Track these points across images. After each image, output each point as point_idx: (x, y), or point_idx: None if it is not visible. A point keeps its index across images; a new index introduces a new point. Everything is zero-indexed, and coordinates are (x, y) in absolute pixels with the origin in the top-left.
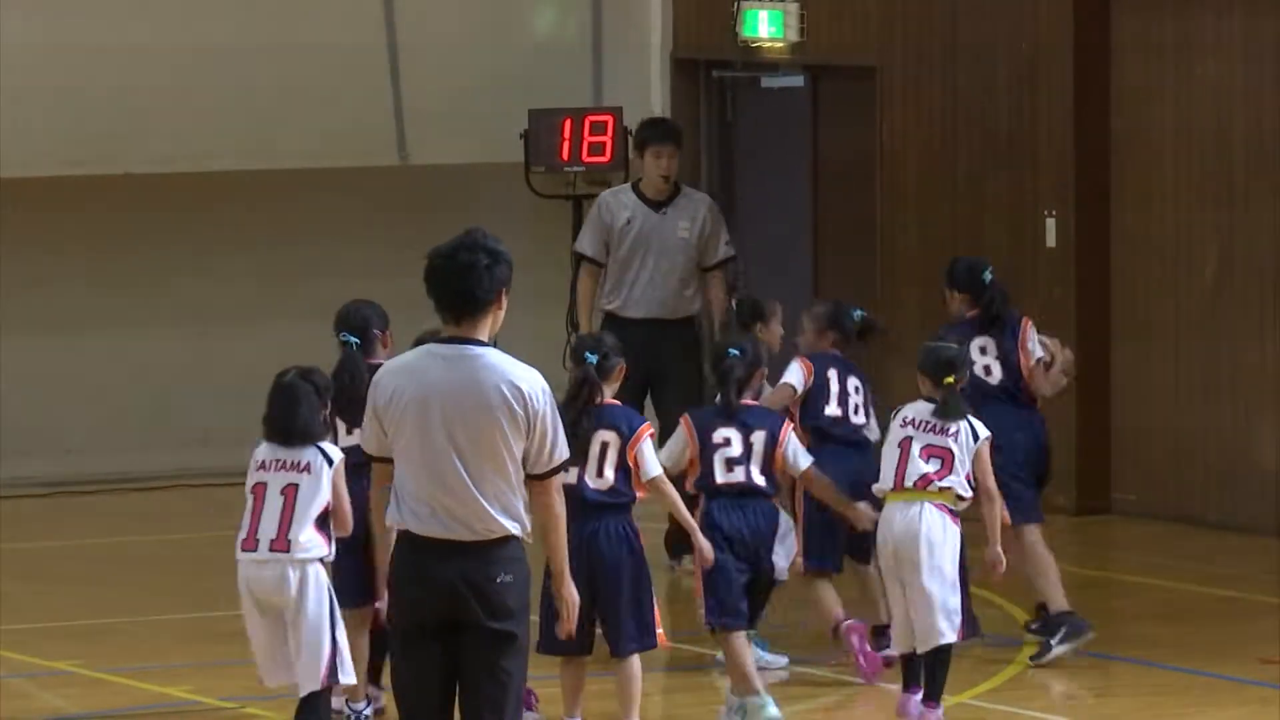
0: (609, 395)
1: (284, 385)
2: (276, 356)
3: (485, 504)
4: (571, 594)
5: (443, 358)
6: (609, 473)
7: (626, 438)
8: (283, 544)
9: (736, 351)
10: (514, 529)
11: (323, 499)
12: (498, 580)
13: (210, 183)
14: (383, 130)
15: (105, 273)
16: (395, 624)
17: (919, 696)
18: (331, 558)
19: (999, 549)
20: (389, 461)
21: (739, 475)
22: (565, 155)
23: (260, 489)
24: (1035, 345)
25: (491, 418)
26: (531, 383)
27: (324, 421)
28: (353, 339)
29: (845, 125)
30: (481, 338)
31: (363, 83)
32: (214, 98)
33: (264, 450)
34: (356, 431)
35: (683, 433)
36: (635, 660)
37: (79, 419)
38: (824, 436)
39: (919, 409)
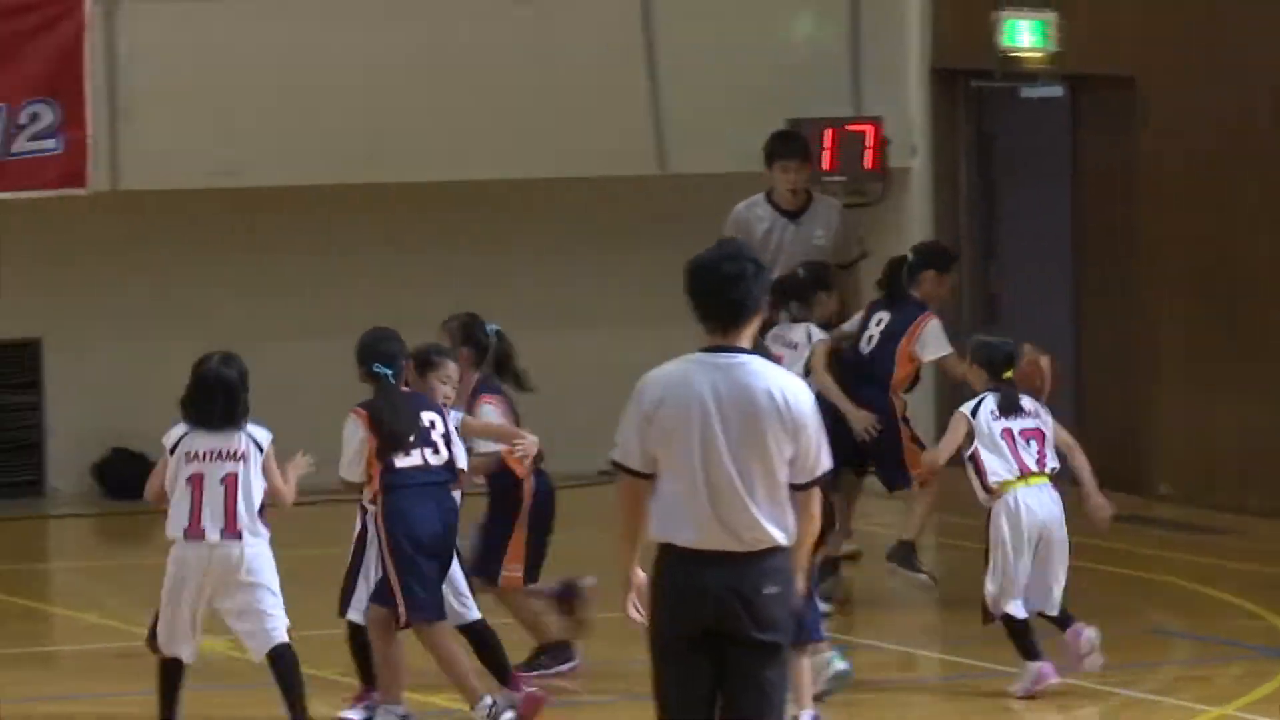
0: None
1: (211, 374)
2: (552, 362)
3: (756, 513)
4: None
5: (711, 366)
6: None
7: None
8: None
9: None
10: (781, 539)
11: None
12: (765, 591)
13: (466, 191)
14: (642, 140)
15: (354, 279)
16: (658, 635)
17: (1079, 627)
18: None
19: (1099, 496)
20: (646, 478)
21: None
22: (826, 165)
23: (198, 479)
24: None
25: (761, 425)
26: (798, 391)
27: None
28: (386, 370)
29: (1104, 135)
30: (744, 345)
31: (621, 93)
32: (471, 107)
33: (195, 440)
34: (415, 453)
35: None
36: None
37: (323, 427)
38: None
39: (994, 400)
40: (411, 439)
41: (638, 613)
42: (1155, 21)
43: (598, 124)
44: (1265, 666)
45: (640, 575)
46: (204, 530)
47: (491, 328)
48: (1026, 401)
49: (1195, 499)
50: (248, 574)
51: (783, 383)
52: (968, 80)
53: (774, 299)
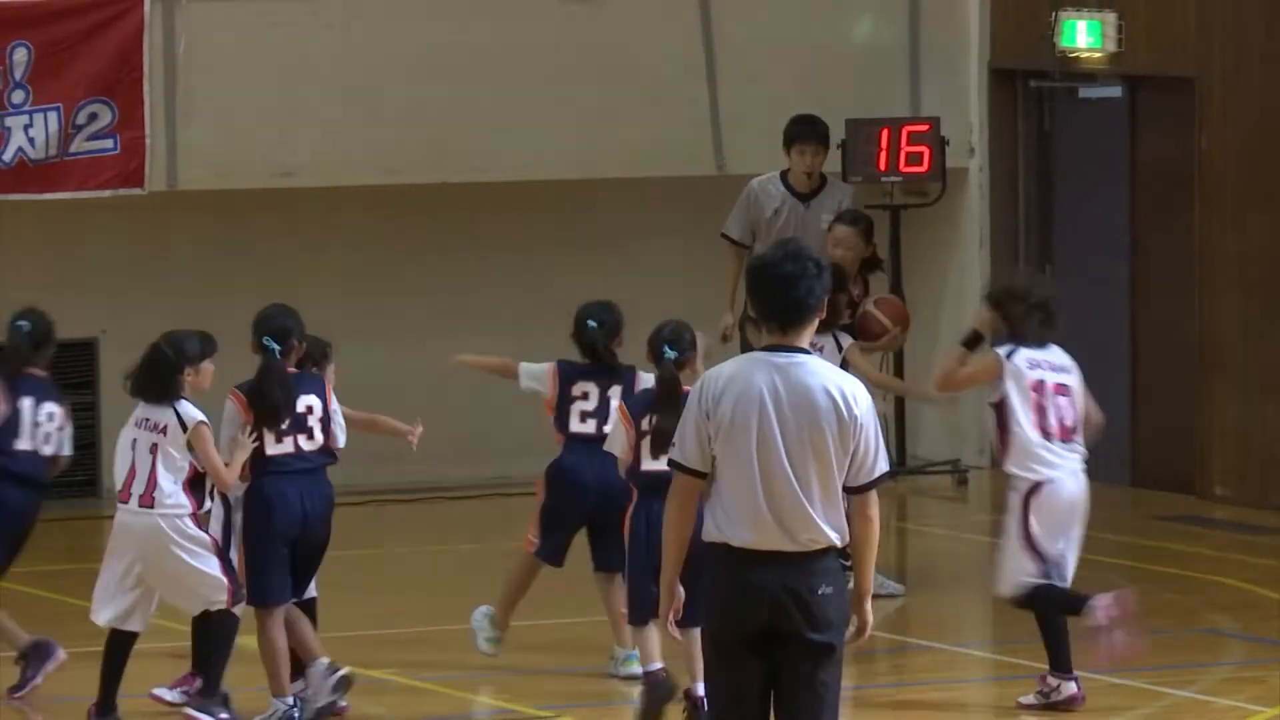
0: (687, 385)
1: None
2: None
3: (812, 513)
4: (870, 614)
5: (770, 364)
6: None
7: None
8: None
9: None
10: (835, 539)
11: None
12: (819, 591)
13: (523, 191)
14: (700, 140)
15: (421, 279)
16: (712, 635)
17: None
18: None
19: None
20: (701, 477)
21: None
22: (883, 165)
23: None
24: None
25: (820, 425)
26: (856, 391)
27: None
28: (274, 345)
29: (1163, 136)
30: (804, 345)
31: (680, 94)
32: (528, 108)
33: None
34: (288, 440)
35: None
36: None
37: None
38: None
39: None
40: (285, 424)
41: (675, 632)
42: (1214, 21)
43: (655, 124)
44: None
45: (682, 591)
46: (130, 495)
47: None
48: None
49: (1251, 500)
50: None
51: (841, 383)
52: (1026, 80)
53: None
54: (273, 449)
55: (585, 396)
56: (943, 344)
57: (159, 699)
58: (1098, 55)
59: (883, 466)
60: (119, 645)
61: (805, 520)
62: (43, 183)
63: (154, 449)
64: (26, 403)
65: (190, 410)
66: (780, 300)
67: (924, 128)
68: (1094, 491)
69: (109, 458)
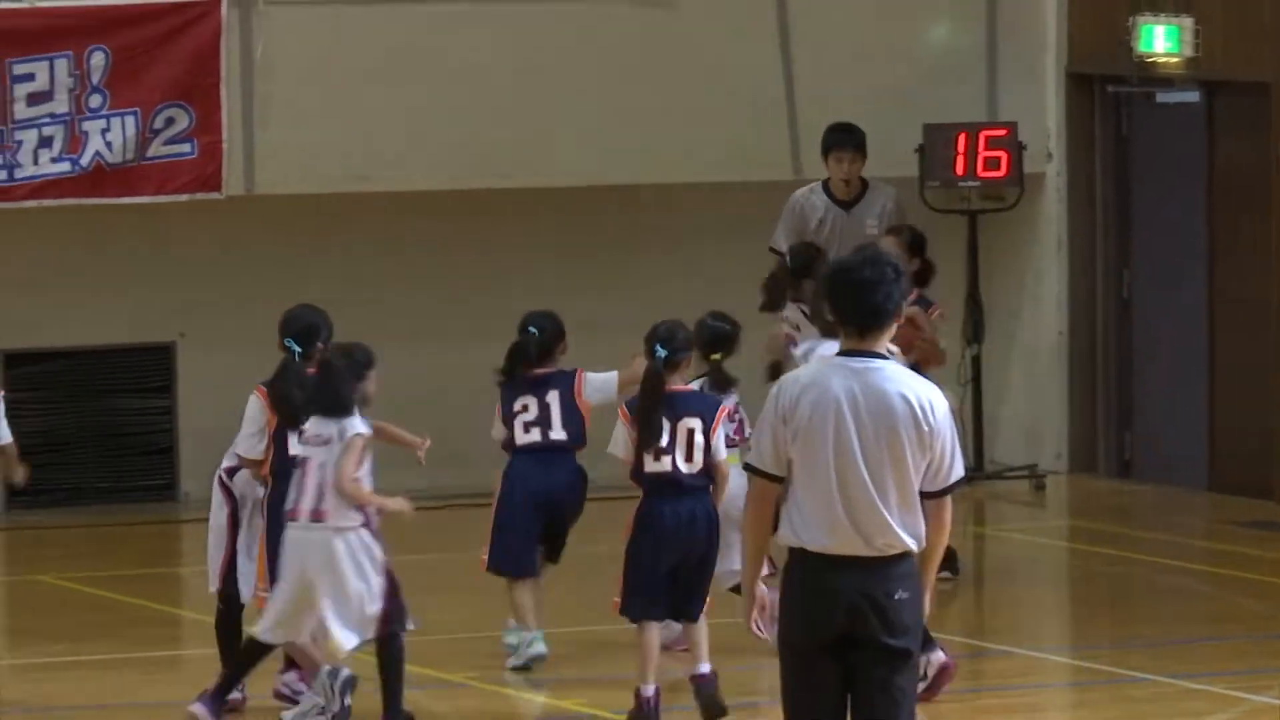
0: (680, 383)
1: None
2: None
3: (888, 517)
4: (927, 605)
5: (847, 370)
6: (697, 457)
7: (709, 423)
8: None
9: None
10: (912, 545)
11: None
12: (896, 597)
13: (601, 195)
14: (778, 145)
15: (495, 282)
16: (788, 639)
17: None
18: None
19: None
20: (778, 481)
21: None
22: (960, 170)
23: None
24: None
25: (897, 430)
26: (933, 397)
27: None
28: (296, 347)
29: (1240, 141)
30: (881, 351)
31: (758, 99)
32: (606, 112)
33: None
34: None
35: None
36: (704, 620)
37: (466, 430)
38: None
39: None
40: (297, 426)
41: (760, 630)
42: None
43: (732, 129)
44: None
45: (764, 590)
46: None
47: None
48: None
49: None
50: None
51: (918, 389)
52: (1104, 85)
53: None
54: (295, 450)
55: (525, 409)
56: (1021, 350)
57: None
58: (1175, 60)
59: (958, 473)
60: (255, 651)
61: (881, 525)
62: (120, 187)
63: (324, 467)
64: None
65: (357, 422)
66: (859, 305)
67: (1002, 133)
68: (1171, 496)
69: (188, 462)
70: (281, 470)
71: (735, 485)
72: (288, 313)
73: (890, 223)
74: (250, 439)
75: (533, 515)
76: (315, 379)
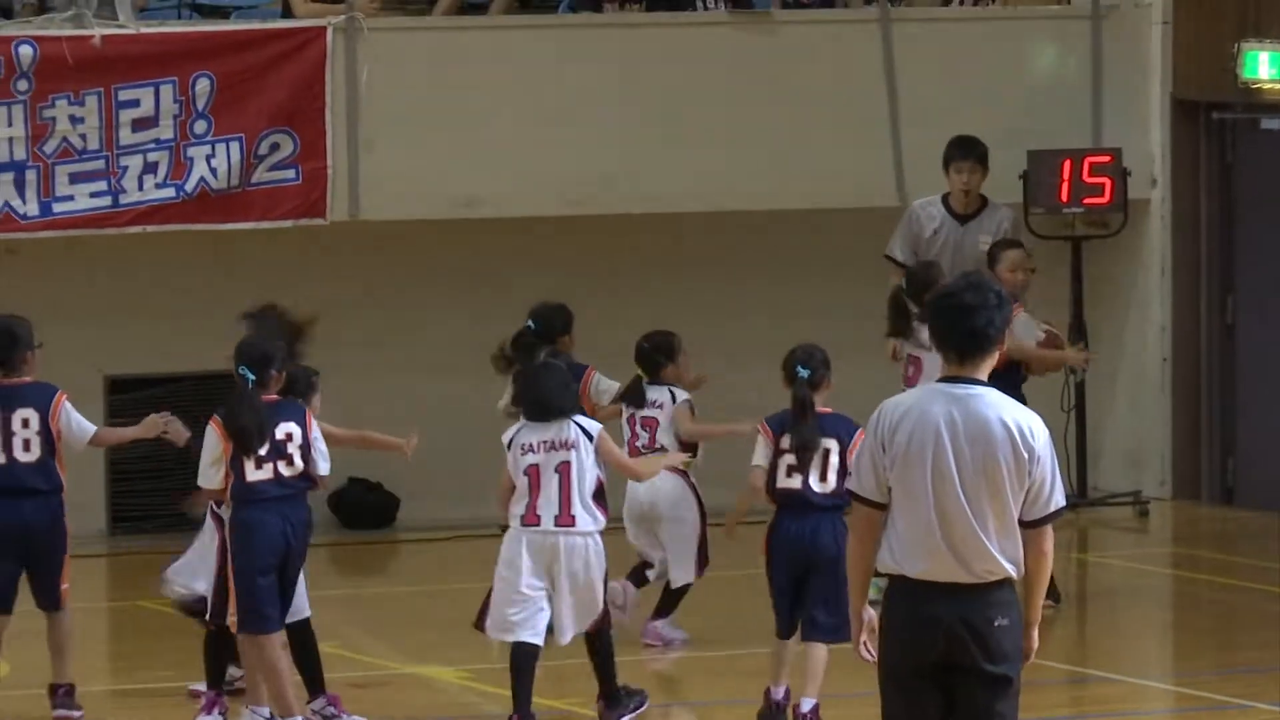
0: (820, 404)
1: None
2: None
3: (987, 544)
4: (1035, 642)
5: (947, 395)
6: (831, 477)
7: (846, 444)
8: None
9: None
10: (1012, 571)
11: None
12: (996, 623)
13: (706, 222)
14: (882, 172)
15: (600, 308)
16: (889, 666)
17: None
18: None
19: None
20: (880, 508)
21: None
22: (1065, 196)
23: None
24: None
25: (996, 457)
26: (1034, 424)
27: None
28: (249, 375)
29: None
30: (982, 378)
31: (862, 125)
32: (710, 140)
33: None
34: (266, 466)
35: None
36: (823, 646)
37: None
38: None
39: None
40: (264, 451)
41: (868, 653)
42: None
43: (838, 156)
44: None
45: (871, 614)
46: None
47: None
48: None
49: None
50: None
51: (1019, 416)
52: (1208, 111)
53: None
54: (252, 475)
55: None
56: (1124, 377)
57: None
58: None
59: (1059, 501)
60: (527, 657)
61: (981, 551)
62: (225, 213)
63: (562, 467)
64: None
65: (589, 421)
66: (959, 330)
67: (1106, 159)
68: (1275, 522)
69: None
70: (242, 496)
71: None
72: (242, 342)
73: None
74: (207, 470)
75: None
76: (527, 386)
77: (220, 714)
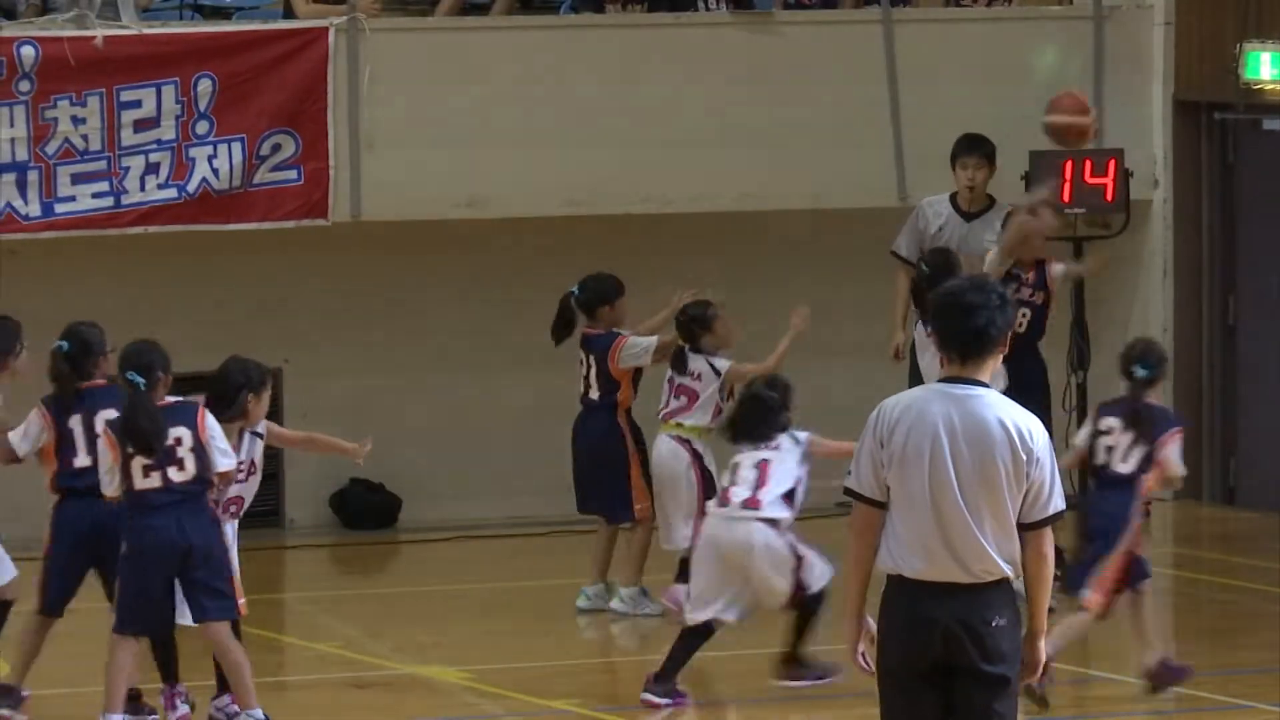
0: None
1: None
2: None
3: (985, 544)
4: (1041, 654)
5: (947, 396)
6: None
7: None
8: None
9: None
10: (1009, 571)
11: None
12: (993, 624)
13: (706, 222)
14: (884, 172)
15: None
16: (887, 667)
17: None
18: None
19: None
20: (879, 507)
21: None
22: (1066, 197)
23: None
24: None
25: (994, 458)
26: (1033, 427)
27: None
28: (138, 380)
29: None
30: (983, 379)
31: (863, 126)
32: (712, 140)
33: None
34: (155, 474)
35: None
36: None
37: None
38: None
39: None
40: (154, 455)
41: (866, 664)
42: None
43: (840, 157)
44: None
45: (870, 623)
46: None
47: None
48: None
49: None
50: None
51: (1018, 418)
52: (1210, 112)
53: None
54: (141, 483)
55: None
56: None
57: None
58: None
59: (1058, 504)
60: (698, 633)
61: (978, 551)
62: (226, 214)
63: (762, 464)
64: (76, 418)
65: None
66: (961, 329)
67: (1108, 160)
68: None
69: (293, 488)
70: (133, 504)
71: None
72: (127, 348)
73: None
74: (103, 478)
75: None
76: (741, 413)
77: (186, 703)
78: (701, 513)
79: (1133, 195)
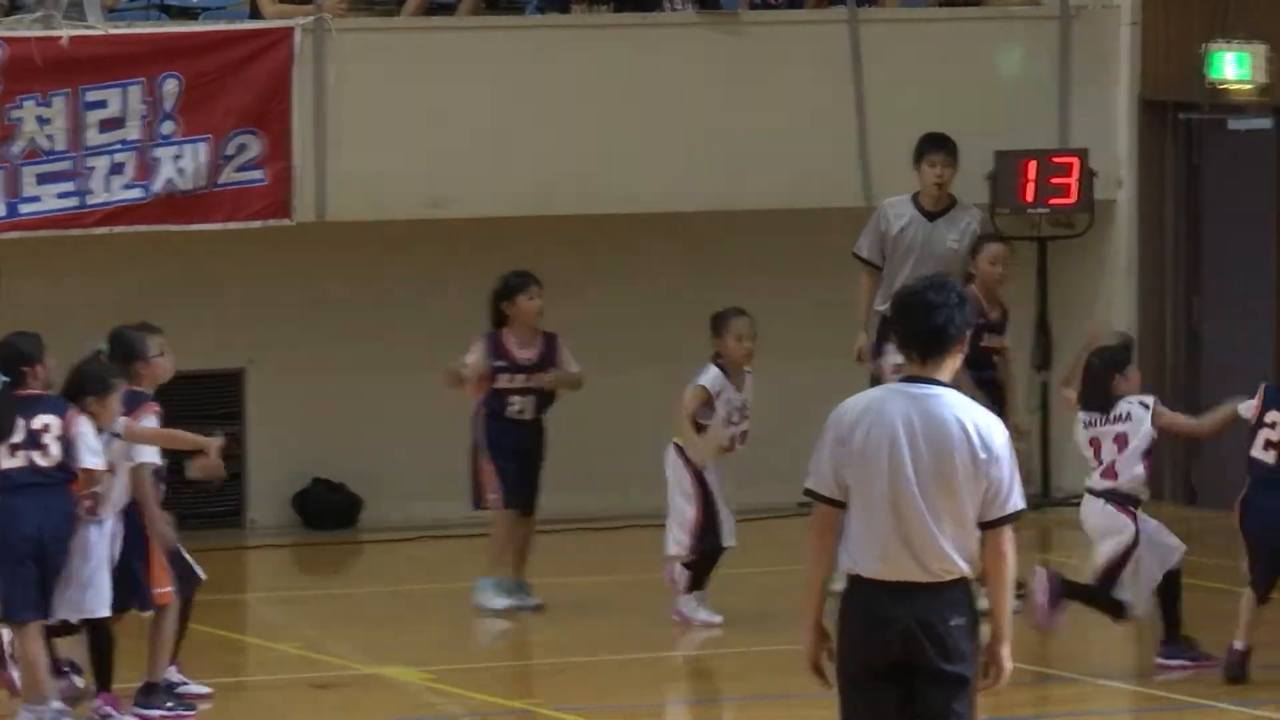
0: None
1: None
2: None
3: (943, 544)
4: (1006, 660)
5: (905, 395)
6: None
7: None
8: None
9: None
10: (967, 570)
11: None
12: (951, 622)
13: (672, 222)
14: (847, 172)
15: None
16: (847, 667)
17: None
18: None
19: None
20: (838, 506)
21: None
22: (1030, 197)
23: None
24: None
25: (953, 457)
26: (991, 425)
27: None
28: (3, 376)
29: None
30: (943, 379)
31: (828, 126)
32: (677, 140)
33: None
34: (20, 454)
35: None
36: None
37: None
38: None
39: None
40: (19, 439)
41: (820, 676)
42: None
43: (805, 156)
44: None
45: (825, 630)
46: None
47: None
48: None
49: None
50: None
51: (976, 417)
52: (1175, 112)
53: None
54: (6, 463)
55: None
56: None
57: None
58: (1247, 87)
59: (1016, 503)
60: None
61: (936, 551)
62: (191, 214)
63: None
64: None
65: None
66: (920, 328)
67: (1071, 160)
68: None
69: (256, 488)
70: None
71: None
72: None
73: (972, 242)
74: None
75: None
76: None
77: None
78: None
79: (1097, 195)
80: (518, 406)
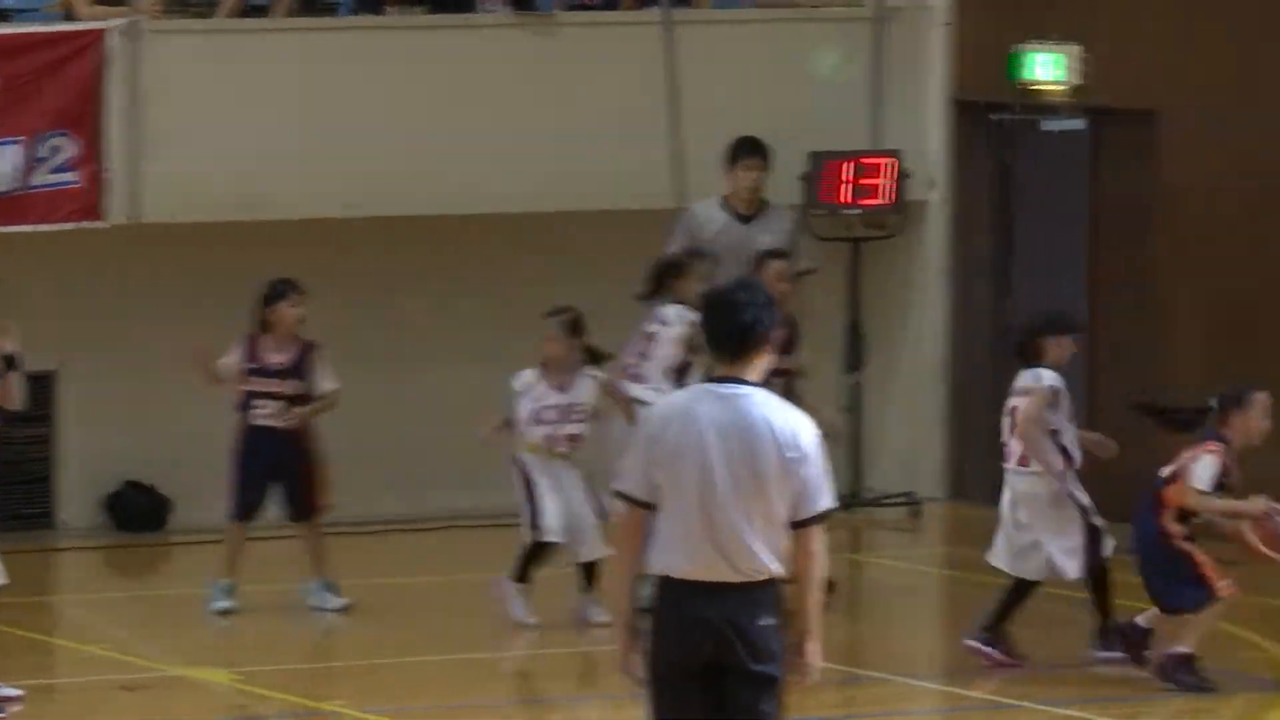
0: None
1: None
2: None
3: (753, 544)
4: (813, 658)
5: (714, 396)
6: None
7: None
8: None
9: None
10: (778, 570)
11: None
12: (760, 622)
13: (488, 223)
14: (661, 174)
15: (384, 312)
16: (657, 667)
17: None
18: None
19: None
20: (648, 508)
21: None
22: (844, 198)
23: None
24: None
25: (761, 457)
26: (800, 425)
27: None
28: None
29: (1125, 169)
30: (752, 378)
31: (643, 127)
32: (489, 141)
33: None
34: None
35: None
36: None
37: (388, 459)
38: None
39: None
40: None
41: (632, 676)
42: (1176, 55)
43: (619, 158)
44: (1270, 699)
45: (637, 630)
46: None
47: None
48: None
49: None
50: None
51: (785, 416)
52: (988, 113)
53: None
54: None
55: None
56: (901, 378)
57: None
58: (1060, 88)
59: (825, 502)
60: (1025, 589)
61: (745, 551)
62: (4, 216)
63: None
64: None
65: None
66: (727, 327)
67: (883, 160)
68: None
69: (65, 490)
70: None
71: None
72: None
73: (788, 244)
74: None
75: None
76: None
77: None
78: None
79: (910, 196)
80: (267, 410)
